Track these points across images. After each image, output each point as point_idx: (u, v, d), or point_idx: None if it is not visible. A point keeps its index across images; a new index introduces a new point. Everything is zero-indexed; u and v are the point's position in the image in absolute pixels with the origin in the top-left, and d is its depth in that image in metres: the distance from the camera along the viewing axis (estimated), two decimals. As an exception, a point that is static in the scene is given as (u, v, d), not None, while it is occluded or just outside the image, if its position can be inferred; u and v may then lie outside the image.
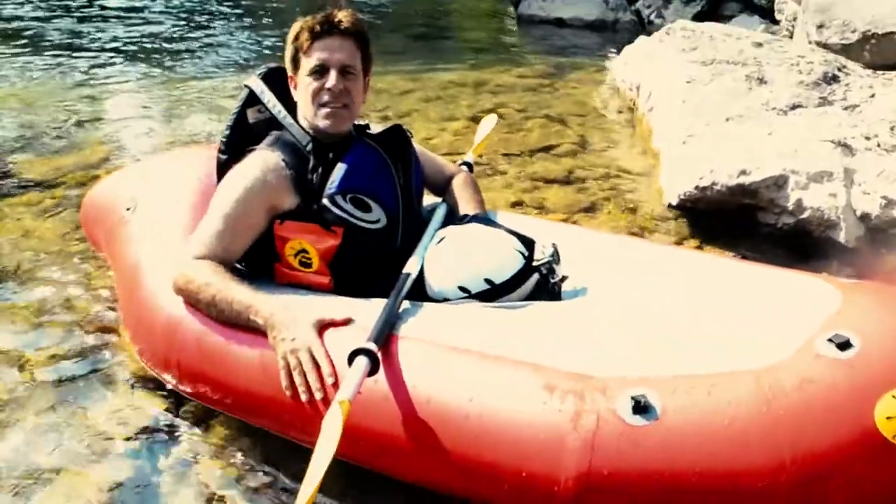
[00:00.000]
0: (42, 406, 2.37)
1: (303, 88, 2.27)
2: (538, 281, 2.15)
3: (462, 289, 2.13)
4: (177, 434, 2.27)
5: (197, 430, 2.28)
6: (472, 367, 1.83)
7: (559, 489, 1.65)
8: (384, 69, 6.43)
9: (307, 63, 2.24)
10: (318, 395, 1.89)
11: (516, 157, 4.56)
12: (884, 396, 1.60)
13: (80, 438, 2.24)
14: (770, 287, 2.12)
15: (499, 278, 2.12)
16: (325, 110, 2.26)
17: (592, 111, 5.57)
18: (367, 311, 2.01)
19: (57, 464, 2.14)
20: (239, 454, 2.18)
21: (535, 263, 2.16)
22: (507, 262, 2.14)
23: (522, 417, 1.72)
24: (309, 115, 2.28)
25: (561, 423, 1.68)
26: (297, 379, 1.92)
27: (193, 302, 2.14)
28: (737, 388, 1.66)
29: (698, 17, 7.61)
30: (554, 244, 2.23)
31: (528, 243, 2.21)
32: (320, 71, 2.24)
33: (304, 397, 1.91)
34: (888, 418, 1.58)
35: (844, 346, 1.70)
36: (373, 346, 1.85)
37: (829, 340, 1.72)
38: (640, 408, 1.64)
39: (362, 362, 1.82)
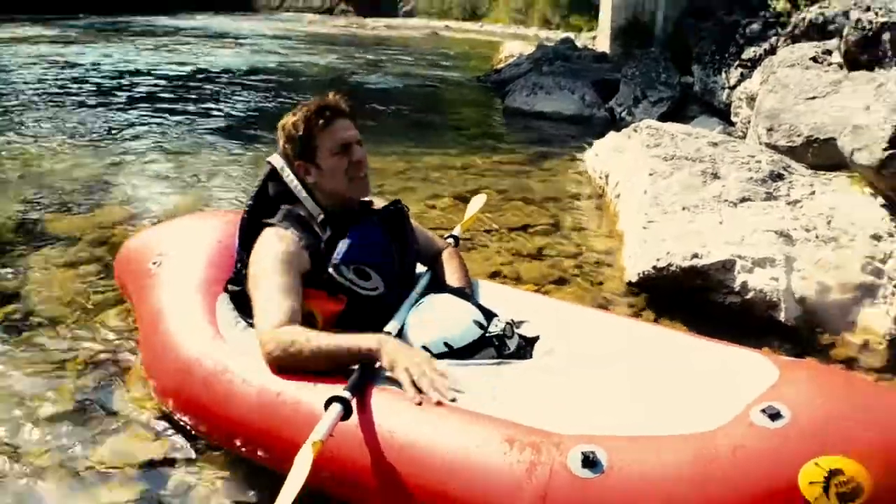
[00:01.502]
0: (57, 437, 2.39)
1: (330, 169, 2.31)
2: (495, 348, 2.21)
3: (425, 348, 2.18)
4: (182, 467, 2.29)
5: (201, 464, 2.29)
6: (440, 419, 1.85)
7: (514, 533, 1.66)
8: (381, 150, 6.55)
9: (329, 145, 2.30)
10: (448, 397, 1.90)
11: (496, 233, 4.61)
12: (808, 463, 1.61)
13: (90, 466, 2.26)
14: (715, 360, 2.13)
15: (456, 344, 2.19)
16: (357, 181, 2.35)
17: (566, 195, 5.65)
18: None
19: (67, 491, 2.16)
20: (239, 487, 2.20)
21: (487, 335, 2.21)
22: (465, 332, 2.21)
23: (484, 466, 1.74)
24: (341, 190, 2.34)
25: (518, 472, 1.70)
26: (425, 383, 1.93)
27: (297, 360, 2.05)
28: (676, 449, 1.68)
29: (664, 117, 7.77)
30: (509, 321, 2.29)
31: (489, 317, 2.27)
32: (345, 149, 2.31)
33: (434, 397, 1.90)
34: (811, 483, 1.59)
35: (776, 416, 1.71)
36: (347, 395, 1.89)
37: (763, 411, 1.73)
38: (589, 462, 1.66)
39: (336, 408, 1.86)
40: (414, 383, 1.93)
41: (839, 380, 1.96)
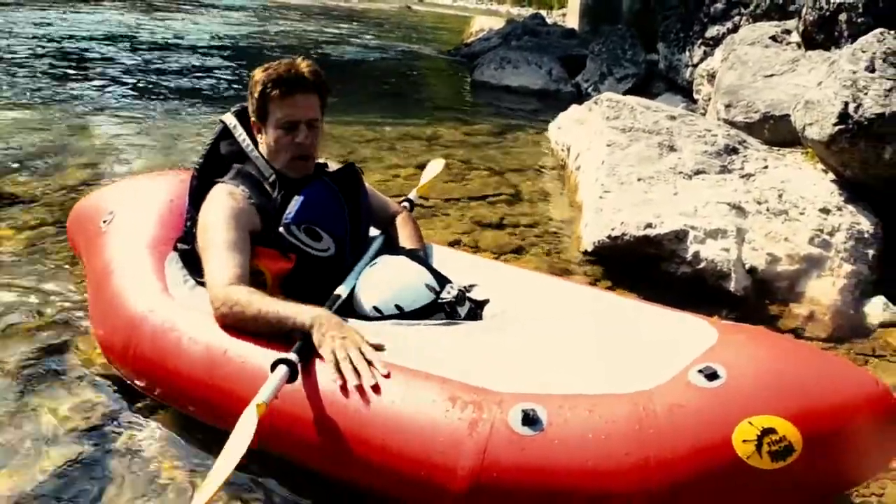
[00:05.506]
0: (6, 396, 2.33)
1: (273, 139, 2.26)
2: (446, 314, 2.19)
3: (376, 309, 2.16)
4: (130, 426, 2.24)
5: (149, 423, 2.25)
6: (386, 380, 1.83)
7: (453, 486, 1.67)
8: (350, 119, 6.50)
9: (278, 117, 2.23)
10: (367, 383, 1.82)
11: (457, 202, 4.59)
12: (742, 422, 1.63)
13: (39, 427, 2.21)
14: (658, 323, 2.15)
15: (407, 307, 2.16)
16: (295, 162, 2.28)
17: (529, 167, 5.64)
18: None
19: (15, 450, 2.11)
20: (185, 445, 2.17)
21: (440, 301, 2.19)
22: (417, 295, 2.19)
23: (427, 423, 1.74)
24: (277, 162, 2.28)
25: (459, 429, 1.70)
26: (346, 367, 1.84)
27: (239, 320, 2.02)
28: (614, 408, 1.68)
29: (629, 93, 7.71)
30: (461, 288, 2.27)
31: (442, 282, 2.25)
32: (290, 127, 2.24)
33: (352, 383, 1.82)
34: (744, 441, 1.61)
35: (712, 376, 1.73)
36: (293, 357, 1.86)
37: (700, 371, 1.75)
38: (529, 420, 1.66)
39: (282, 370, 1.83)
40: (338, 366, 1.86)
41: (775, 342, 1.98)
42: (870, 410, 1.73)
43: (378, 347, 1.93)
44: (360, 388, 1.82)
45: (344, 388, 1.83)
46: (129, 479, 2.04)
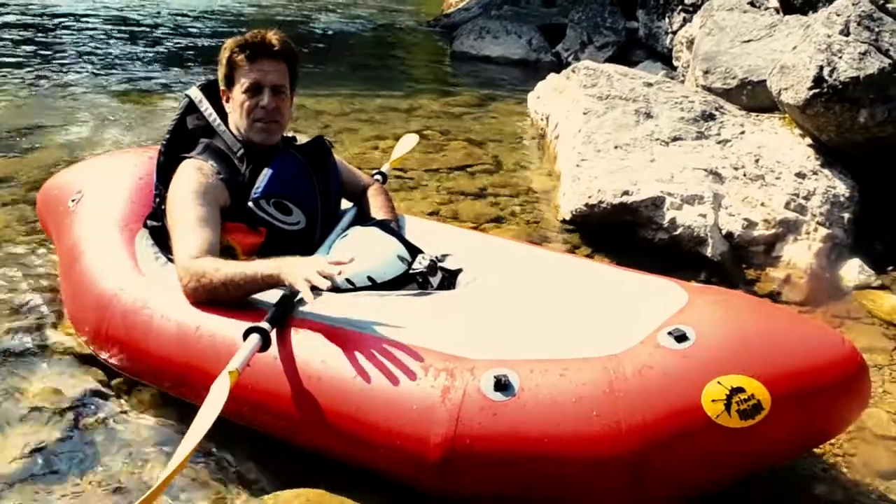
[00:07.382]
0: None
1: (238, 104, 2.26)
2: (419, 284, 2.20)
3: (348, 281, 2.16)
4: (104, 404, 2.25)
5: (123, 400, 2.26)
6: (359, 348, 1.85)
7: (427, 454, 1.69)
8: (328, 92, 6.46)
9: (243, 82, 2.24)
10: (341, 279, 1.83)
11: (436, 173, 4.58)
12: (711, 382, 1.65)
13: (14, 405, 2.22)
14: (629, 287, 2.17)
15: (379, 278, 2.18)
16: (259, 125, 2.27)
17: (509, 137, 5.63)
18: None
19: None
20: (160, 421, 2.18)
21: (412, 271, 2.20)
22: (389, 267, 2.20)
23: (400, 392, 1.75)
24: (243, 129, 2.28)
25: (432, 397, 1.72)
26: (320, 282, 1.82)
27: (209, 290, 2.02)
28: (585, 371, 1.70)
29: (609, 62, 7.70)
30: (433, 258, 2.27)
31: (414, 253, 2.26)
32: (255, 90, 2.24)
33: (324, 285, 1.81)
34: (713, 401, 1.63)
35: (681, 338, 1.74)
36: (266, 326, 1.87)
37: (669, 333, 1.77)
38: (501, 385, 1.68)
39: (254, 339, 1.84)
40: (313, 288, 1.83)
41: (744, 304, 2.00)
42: (837, 369, 1.75)
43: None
44: (333, 357, 1.83)
45: (316, 357, 1.85)
46: (103, 455, 2.05)
